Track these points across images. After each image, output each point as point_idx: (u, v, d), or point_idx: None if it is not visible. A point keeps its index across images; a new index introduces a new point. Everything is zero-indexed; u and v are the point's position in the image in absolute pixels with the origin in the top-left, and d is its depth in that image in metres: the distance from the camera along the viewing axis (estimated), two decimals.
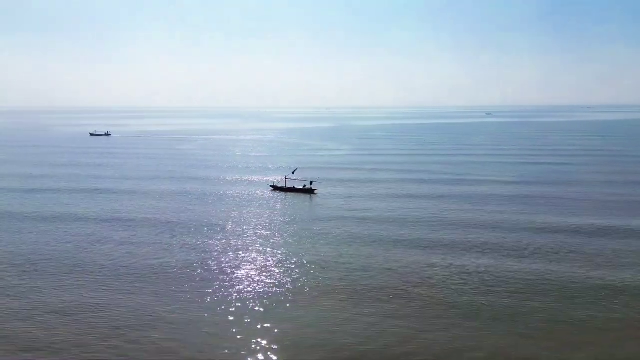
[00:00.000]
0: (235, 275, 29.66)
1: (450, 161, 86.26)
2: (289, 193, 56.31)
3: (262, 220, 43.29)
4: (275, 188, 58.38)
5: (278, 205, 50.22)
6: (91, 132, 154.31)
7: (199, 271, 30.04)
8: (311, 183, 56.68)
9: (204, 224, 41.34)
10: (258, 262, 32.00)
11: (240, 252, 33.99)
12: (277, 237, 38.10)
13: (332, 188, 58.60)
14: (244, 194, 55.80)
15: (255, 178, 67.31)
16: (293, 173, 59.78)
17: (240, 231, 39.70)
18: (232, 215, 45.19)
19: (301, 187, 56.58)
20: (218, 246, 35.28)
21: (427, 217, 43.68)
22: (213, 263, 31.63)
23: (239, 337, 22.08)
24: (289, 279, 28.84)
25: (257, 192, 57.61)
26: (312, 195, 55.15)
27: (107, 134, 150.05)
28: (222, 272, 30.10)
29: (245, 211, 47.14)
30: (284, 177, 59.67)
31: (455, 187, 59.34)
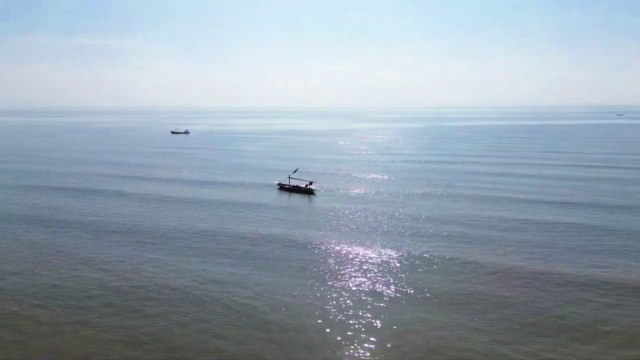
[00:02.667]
0: (337, 271, 29.49)
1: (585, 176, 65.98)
2: (292, 193, 56.17)
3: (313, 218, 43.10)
4: (282, 187, 58.52)
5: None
6: (172, 130, 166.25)
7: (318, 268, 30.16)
8: (310, 183, 56.24)
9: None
10: (357, 262, 31.40)
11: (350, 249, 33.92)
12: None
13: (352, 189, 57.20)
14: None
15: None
16: (294, 172, 59.68)
17: (348, 230, 38.99)
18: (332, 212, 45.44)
19: (303, 186, 56.22)
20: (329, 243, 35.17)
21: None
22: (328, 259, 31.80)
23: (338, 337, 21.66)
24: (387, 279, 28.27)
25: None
26: (310, 195, 54.57)
27: (186, 132, 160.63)
28: (329, 267, 30.20)
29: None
30: (287, 177, 59.65)
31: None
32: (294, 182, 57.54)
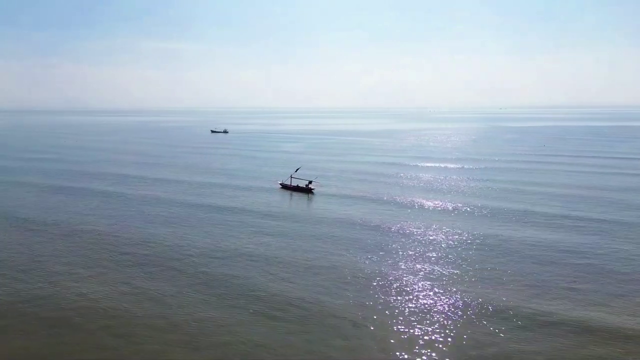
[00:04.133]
0: (402, 279, 28.35)
1: None
2: (293, 192, 55.02)
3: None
4: (283, 186, 57.47)
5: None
6: (212, 130, 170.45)
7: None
8: (310, 183, 55.06)
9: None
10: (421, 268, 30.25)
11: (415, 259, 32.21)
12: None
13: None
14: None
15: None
16: (296, 171, 58.73)
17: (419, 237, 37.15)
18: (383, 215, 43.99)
19: (304, 185, 55.02)
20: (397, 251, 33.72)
21: None
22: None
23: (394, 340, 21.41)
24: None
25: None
26: (309, 194, 53.27)
27: (225, 132, 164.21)
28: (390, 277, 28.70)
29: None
30: (289, 176, 58.58)
31: None
32: (294, 182, 56.46)
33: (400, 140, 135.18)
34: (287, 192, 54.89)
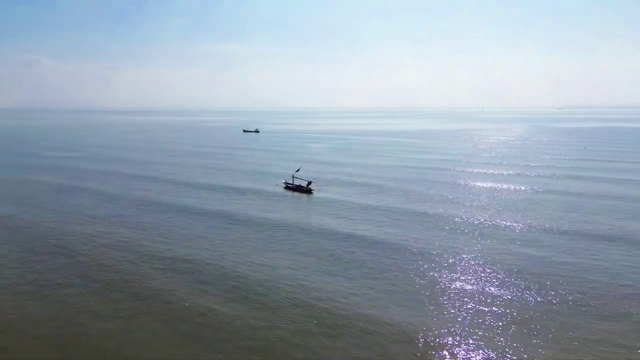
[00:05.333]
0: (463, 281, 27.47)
1: None
2: (295, 192, 55.37)
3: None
4: (287, 186, 57.92)
5: None
6: (244, 129, 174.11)
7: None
8: (309, 183, 55.34)
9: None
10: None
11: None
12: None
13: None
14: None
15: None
16: (297, 171, 59.11)
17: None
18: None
19: (304, 186, 55.29)
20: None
21: None
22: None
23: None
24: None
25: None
26: (309, 195, 53.39)
27: (256, 131, 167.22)
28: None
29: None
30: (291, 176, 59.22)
31: None
32: (297, 182, 57.06)
33: (446, 141, 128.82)
34: (289, 192, 55.21)
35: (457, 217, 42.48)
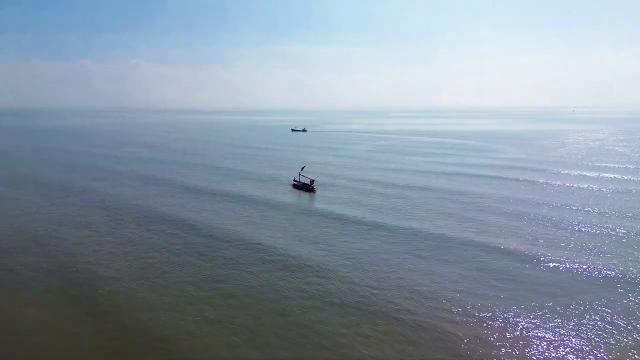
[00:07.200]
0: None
1: None
2: (300, 190, 56.93)
3: None
4: (295, 184, 59.56)
5: None
6: (292, 128, 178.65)
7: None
8: (312, 182, 56.54)
9: None
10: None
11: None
12: None
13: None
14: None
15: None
16: (302, 169, 60.40)
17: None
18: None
19: (308, 184, 56.80)
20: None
21: None
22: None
23: None
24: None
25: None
26: (311, 193, 54.63)
27: (304, 130, 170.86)
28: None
29: None
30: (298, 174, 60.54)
31: None
32: (303, 180, 58.55)
33: (524, 145, 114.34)
34: (296, 190, 56.76)
35: None
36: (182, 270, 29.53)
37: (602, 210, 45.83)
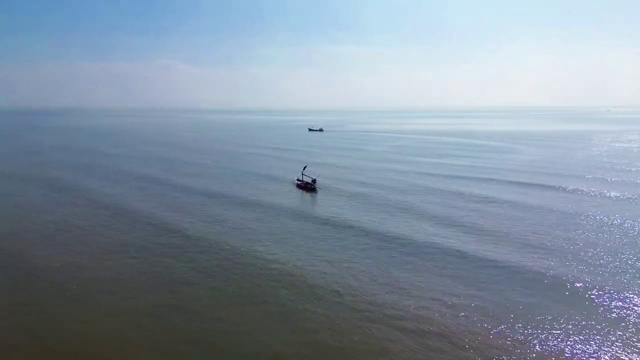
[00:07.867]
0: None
1: None
2: (303, 189, 56.23)
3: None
4: (298, 185, 58.76)
5: None
6: (309, 128, 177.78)
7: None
8: (313, 181, 56.09)
9: None
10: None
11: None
12: None
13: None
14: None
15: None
16: (304, 169, 59.81)
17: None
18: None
19: (310, 183, 56.38)
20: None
21: None
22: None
23: None
24: None
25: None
26: (312, 193, 53.95)
27: (321, 130, 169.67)
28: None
29: None
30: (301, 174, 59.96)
31: None
32: (306, 179, 57.87)
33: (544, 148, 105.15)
34: (299, 190, 55.82)
35: None
36: (180, 269, 29.04)
37: None
